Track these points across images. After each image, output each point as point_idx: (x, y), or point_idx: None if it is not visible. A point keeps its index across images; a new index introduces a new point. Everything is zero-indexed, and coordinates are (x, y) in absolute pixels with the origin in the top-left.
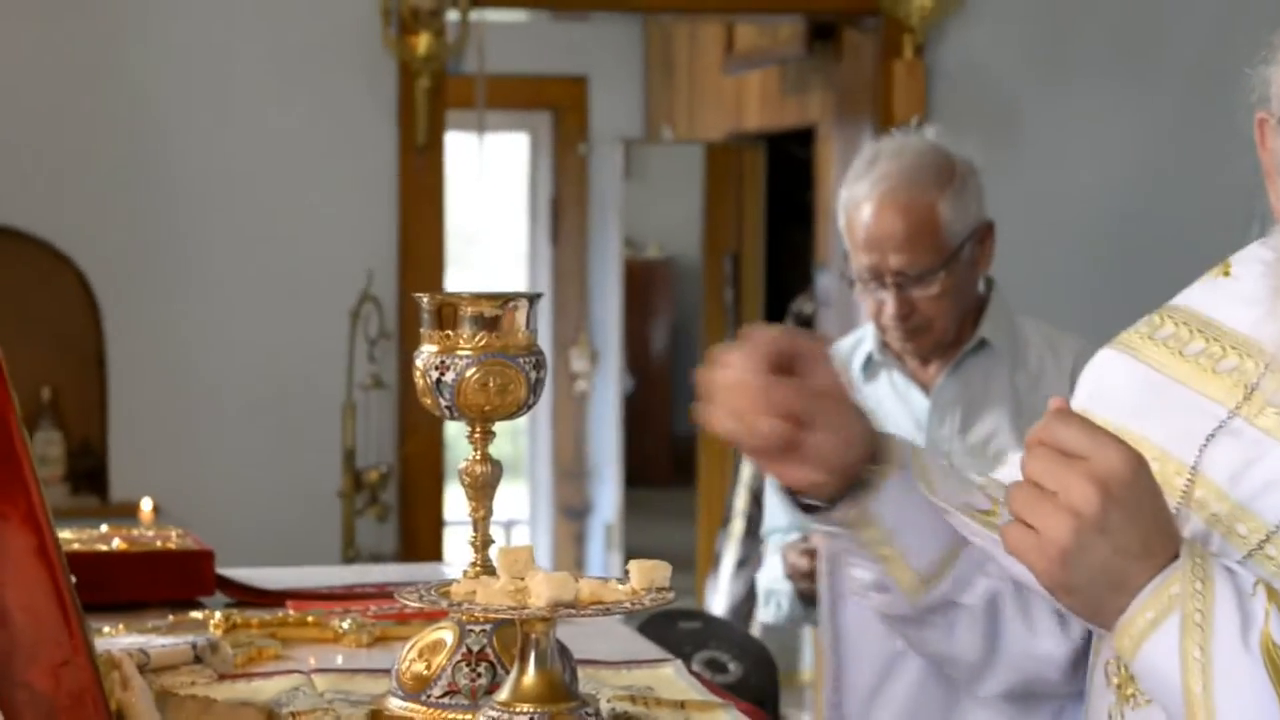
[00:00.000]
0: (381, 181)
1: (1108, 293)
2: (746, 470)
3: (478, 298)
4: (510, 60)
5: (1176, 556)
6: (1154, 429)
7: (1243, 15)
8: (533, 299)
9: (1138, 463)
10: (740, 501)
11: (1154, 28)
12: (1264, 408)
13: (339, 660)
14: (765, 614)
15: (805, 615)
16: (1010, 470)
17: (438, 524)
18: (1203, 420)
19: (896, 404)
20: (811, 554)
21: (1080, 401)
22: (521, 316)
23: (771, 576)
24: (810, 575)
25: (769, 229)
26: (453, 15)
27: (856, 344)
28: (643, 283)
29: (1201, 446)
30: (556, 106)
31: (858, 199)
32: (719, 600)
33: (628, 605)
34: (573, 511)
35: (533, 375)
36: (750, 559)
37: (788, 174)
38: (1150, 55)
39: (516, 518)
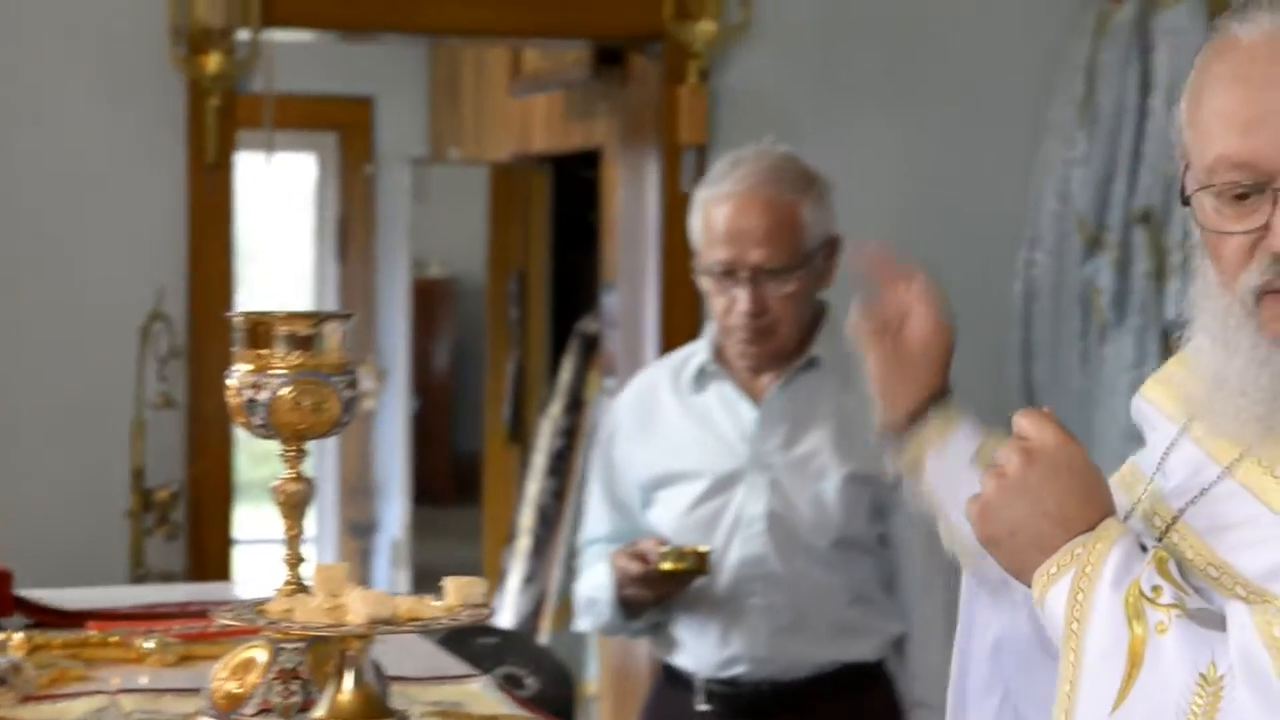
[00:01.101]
0: (171, 200)
1: None
2: (533, 488)
3: (291, 317)
4: (298, 80)
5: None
6: (1143, 453)
7: (1013, 52)
8: (345, 318)
9: (1068, 444)
10: (526, 519)
11: (925, 58)
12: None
13: (144, 680)
14: (584, 622)
15: (623, 624)
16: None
17: (226, 543)
18: (1165, 439)
19: (725, 415)
20: (641, 558)
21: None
22: (334, 336)
23: (593, 584)
24: (638, 580)
25: (555, 249)
26: (243, 34)
27: (687, 357)
28: (425, 301)
29: (1162, 458)
30: (343, 126)
31: (719, 196)
32: (505, 616)
33: (445, 621)
34: (359, 528)
35: (346, 394)
36: (537, 575)
37: (574, 195)
38: (922, 84)
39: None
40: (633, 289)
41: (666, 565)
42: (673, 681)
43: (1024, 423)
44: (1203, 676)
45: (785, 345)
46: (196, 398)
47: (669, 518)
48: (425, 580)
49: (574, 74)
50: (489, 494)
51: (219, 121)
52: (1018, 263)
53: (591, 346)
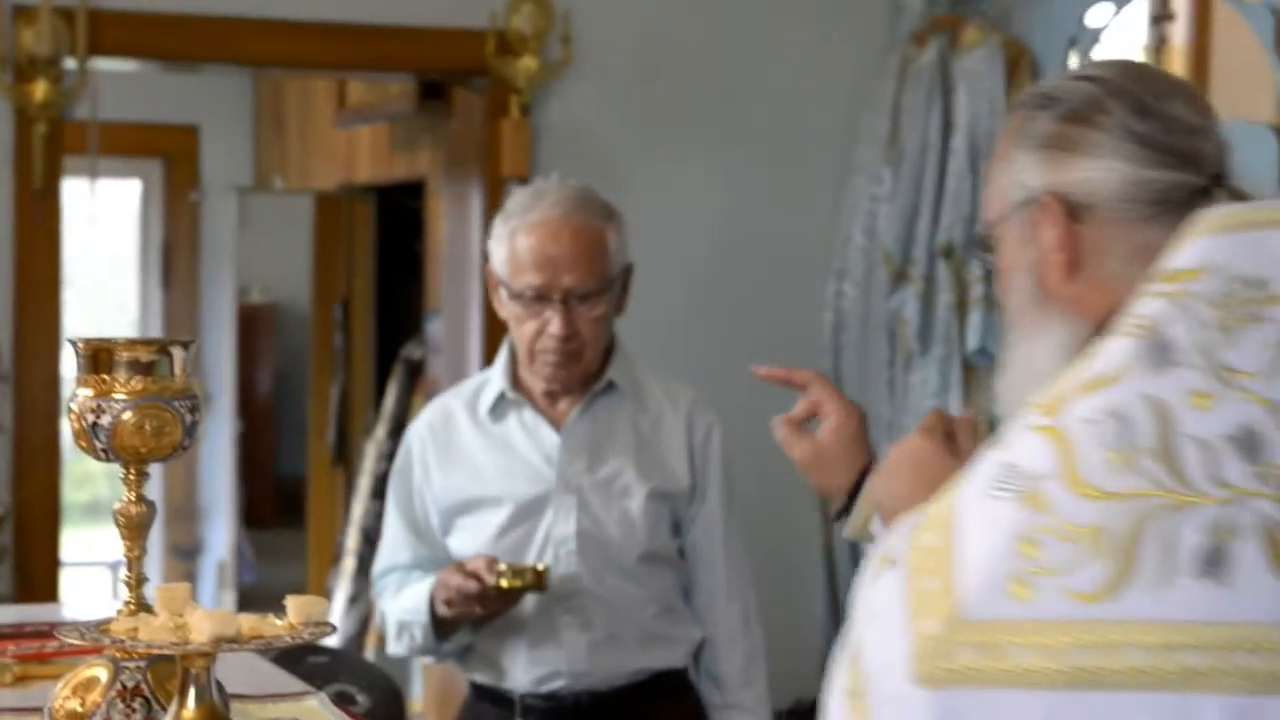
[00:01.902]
0: None
1: (697, 344)
2: (358, 510)
3: (133, 343)
4: (124, 108)
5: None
6: None
7: (819, 94)
8: (186, 345)
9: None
10: (351, 541)
11: (739, 99)
12: None
13: None
14: (397, 647)
15: (436, 647)
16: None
17: (54, 565)
18: None
19: (527, 441)
20: (474, 577)
21: None
22: (177, 362)
23: (404, 609)
24: (472, 598)
25: (379, 277)
26: (69, 63)
27: (481, 386)
28: (248, 327)
29: None
30: (169, 154)
31: (529, 224)
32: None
33: (288, 639)
34: (182, 551)
35: (188, 418)
36: (362, 595)
37: (398, 224)
38: (735, 123)
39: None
40: (456, 316)
41: (504, 583)
42: (485, 698)
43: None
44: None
45: (589, 368)
46: (23, 422)
47: (475, 543)
48: (250, 602)
49: (399, 106)
50: (314, 516)
51: (46, 148)
52: (827, 294)
53: (416, 372)
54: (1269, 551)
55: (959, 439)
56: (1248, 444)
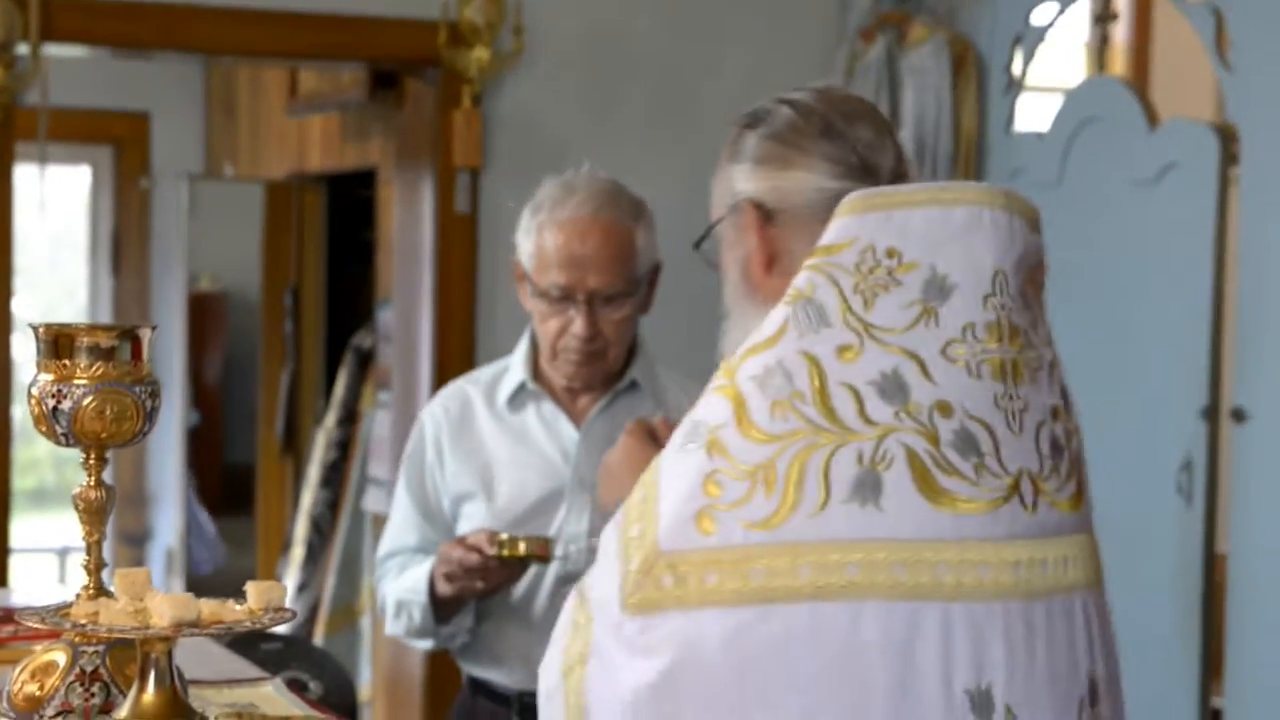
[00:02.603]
0: None
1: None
2: (307, 499)
3: (94, 329)
4: (75, 94)
5: None
6: None
7: (764, 79)
8: (148, 331)
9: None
10: (300, 529)
11: (688, 89)
12: None
13: None
14: (395, 626)
15: (434, 628)
16: None
17: (3, 552)
18: None
19: (544, 434)
20: (476, 550)
21: None
22: (137, 347)
23: (405, 588)
24: (474, 570)
25: (330, 265)
26: (21, 49)
27: (499, 374)
28: (197, 315)
29: None
30: (119, 141)
31: (559, 221)
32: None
33: (248, 624)
34: (131, 538)
35: (148, 404)
36: (311, 583)
37: (349, 213)
38: (685, 114)
39: (73, 544)
40: (407, 305)
41: (505, 552)
42: (481, 693)
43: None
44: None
45: (612, 368)
46: None
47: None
48: (198, 588)
49: (350, 95)
50: (263, 504)
51: None
52: None
53: (366, 361)
54: (913, 476)
55: (660, 437)
56: (891, 388)
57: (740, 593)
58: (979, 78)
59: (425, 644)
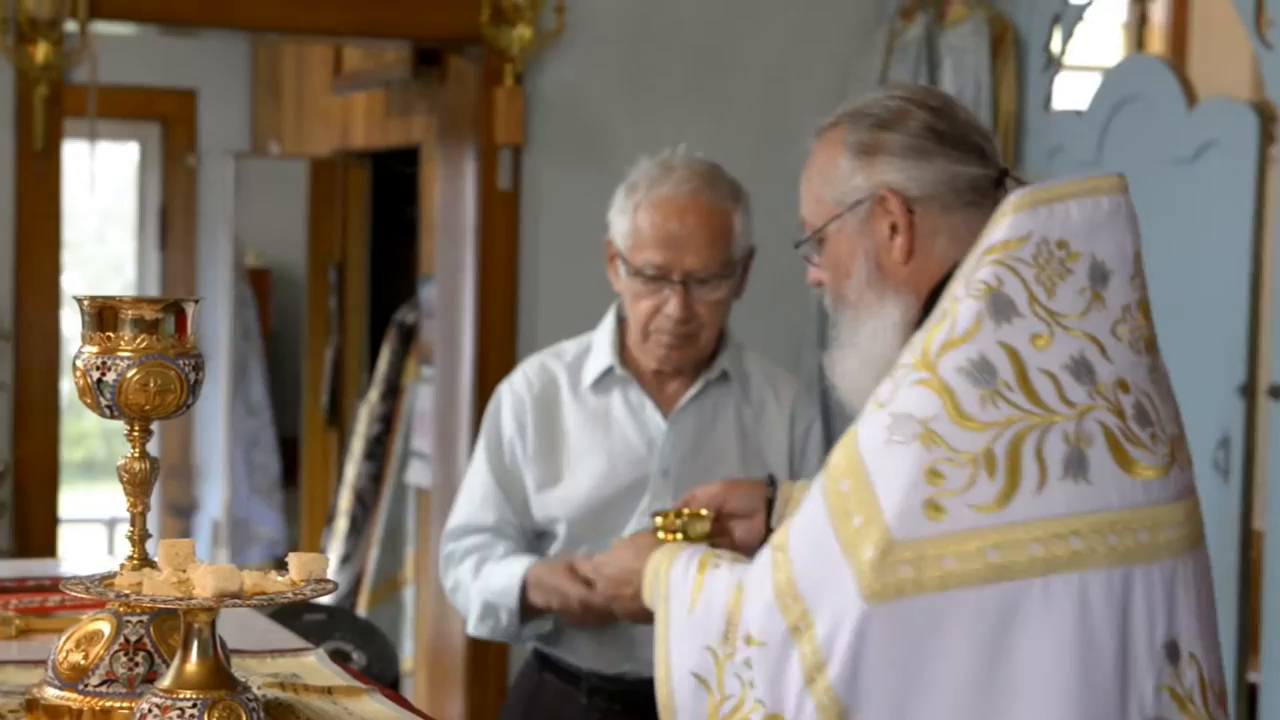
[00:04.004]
0: None
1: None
2: (351, 471)
3: (138, 302)
4: (123, 72)
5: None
6: None
7: (803, 61)
8: (192, 304)
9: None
10: (344, 501)
11: (728, 68)
12: None
13: None
14: (480, 628)
15: (518, 633)
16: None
17: (52, 522)
18: None
19: (630, 421)
20: (586, 582)
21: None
22: (181, 320)
23: (494, 590)
24: (578, 609)
25: (373, 242)
26: (70, 26)
27: (583, 354)
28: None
29: None
30: (166, 118)
31: (657, 199)
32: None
33: (290, 595)
34: (178, 510)
35: (192, 376)
36: (354, 554)
37: (393, 190)
38: (724, 92)
39: (121, 515)
40: (450, 281)
41: (662, 533)
42: (549, 669)
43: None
44: (736, 586)
45: (703, 353)
46: (22, 381)
47: (564, 516)
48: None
49: (394, 73)
50: (307, 477)
51: (46, 110)
52: None
53: (409, 336)
54: (1110, 449)
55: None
56: (1081, 370)
57: (977, 573)
58: (1018, 56)
59: (509, 641)
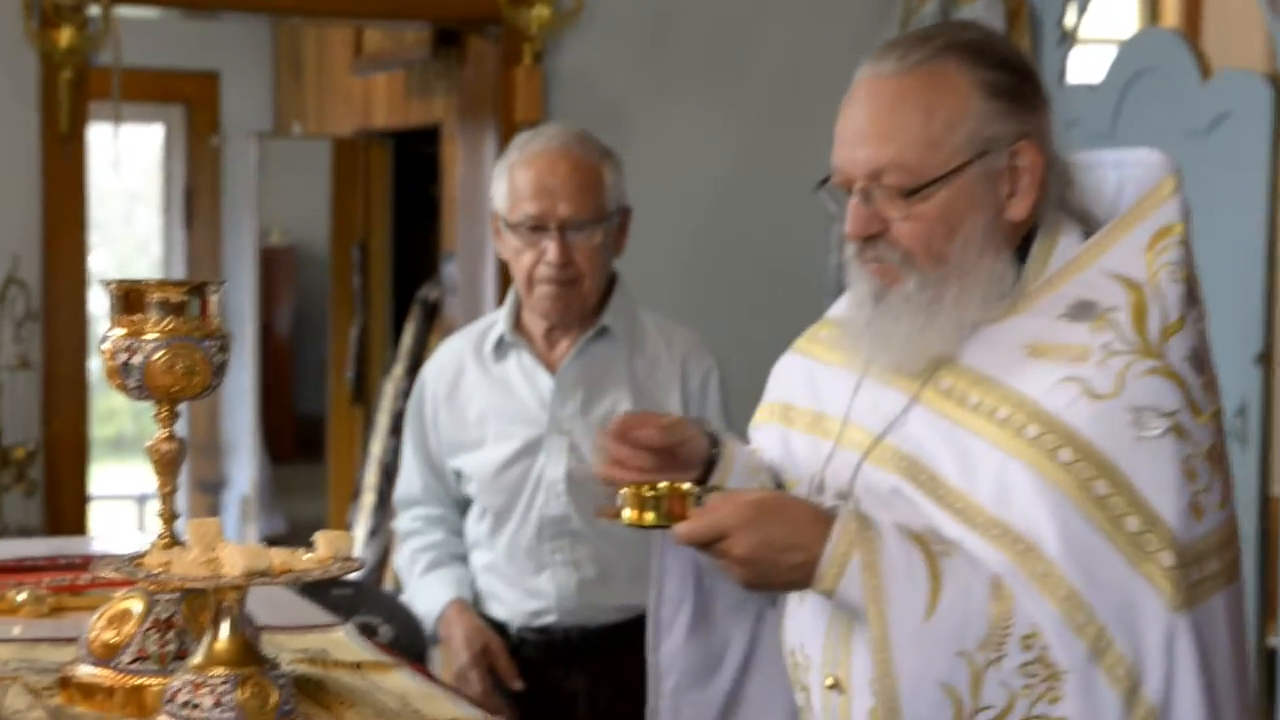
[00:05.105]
0: (25, 169)
1: (700, 290)
2: (376, 447)
3: (164, 284)
4: (147, 54)
5: (827, 535)
6: (820, 401)
7: (820, 47)
8: (216, 286)
9: (752, 510)
10: (371, 476)
11: (744, 46)
12: (881, 371)
13: (17, 631)
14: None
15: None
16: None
17: (82, 499)
18: (847, 387)
19: (524, 383)
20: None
21: (772, 396)
22: (206, 303)
23: (420, 612)
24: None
25: (396, 220)
26: (94, 10)
27: (489, 327)
28: (267, 269)
29: (849, 401)
30: (189, 100)
31: (526, 158)
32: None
33: (318, 573)
34: (207, 486)
35: (218, 358)
36: (381, 529)
37: (414, 169)
38: (741, 71)
39: (151, 491)
40: (471, 258)
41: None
42: (493, 626)
43: (699, 533)
44: (994, 584)
45: (587, 302)
46: (52, 360)
47: (475, 481)
48: (273, 535)
49: (414, 54)
50: (334, 453)
51: (71, 94)
52: (831, 238)
53: (432, 312)
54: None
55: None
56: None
57: (1228, 574)
58: (1033, 31)
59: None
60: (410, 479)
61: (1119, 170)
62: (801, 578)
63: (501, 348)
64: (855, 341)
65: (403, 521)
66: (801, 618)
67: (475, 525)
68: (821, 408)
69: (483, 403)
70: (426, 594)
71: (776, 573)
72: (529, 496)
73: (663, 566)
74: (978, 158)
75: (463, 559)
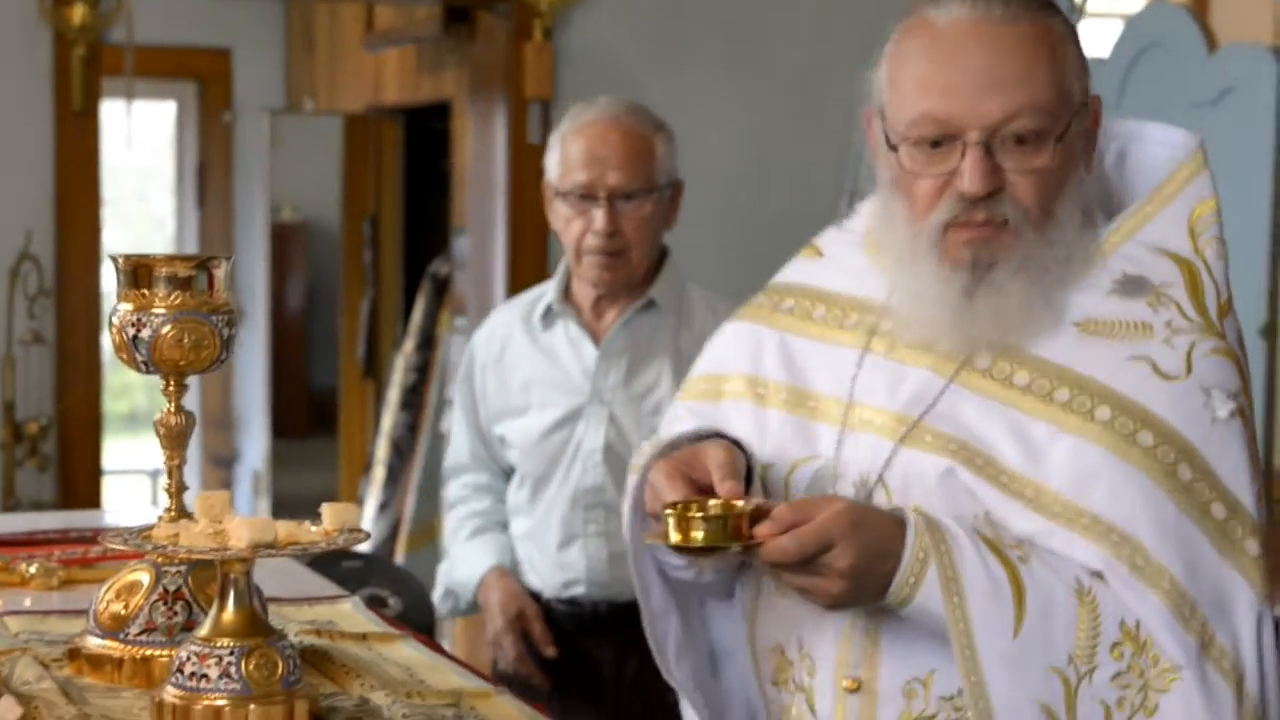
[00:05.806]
0: (39, 146)
1: (719, 265)
2: (387, 421)
3: (172, 259)
4: (159, 31)
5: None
6: (803, 378)
7: (837, 19)
8: (223, 260)
9: (847, 517)
10: (381, 450)
11: (760, 23)
12: (893, 345)
13: (28, 603)
14: (442, 607)
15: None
16: (669, 426)
17: (95, 473)
18: (843, 364)
19: (569, 352)
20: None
21: (705, 367)
22: (214, 277)
23: (459, 581)
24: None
25: (407, 195)
26: None
27: (539, 296)
28: (279, 244)
29: (852, 381)
30: (202, 77)
31: (578, 127)
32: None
33: (323, 545)
34: (220, 460)
35: (225, 332)
36: (392, 502)
37: (425, 145)
38: (756, 47)
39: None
40: (482, 233)
41: (676, 536)
42: (530, 594)
43: (796, 550)
44: (1078, 589)
45: (635, 273)
46: (65, 335)
47: (517, 448)
48: (285, 508)
49: (425, 30)
50: (345, 427)
51: (84, 71)
52: (840, 212)
53: (443, 287)
54: None
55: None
56: None
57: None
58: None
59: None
60: (459, 446)
61: (1117, 142)
62: (884, 587)
63: (549, 317)
64: (955, 317)
65: (451, 489)
66: (794, 614)
67: (515, 493)
68: (807, 385)
69: (528, 370)
70: (468, 560)
71: (873, 583)
72: (567, 465)
73: (644, 582)
74: (1082, 109)
75: (506, 526)
